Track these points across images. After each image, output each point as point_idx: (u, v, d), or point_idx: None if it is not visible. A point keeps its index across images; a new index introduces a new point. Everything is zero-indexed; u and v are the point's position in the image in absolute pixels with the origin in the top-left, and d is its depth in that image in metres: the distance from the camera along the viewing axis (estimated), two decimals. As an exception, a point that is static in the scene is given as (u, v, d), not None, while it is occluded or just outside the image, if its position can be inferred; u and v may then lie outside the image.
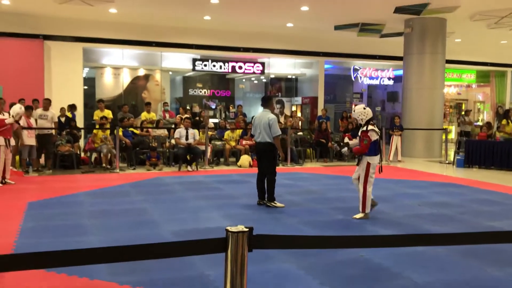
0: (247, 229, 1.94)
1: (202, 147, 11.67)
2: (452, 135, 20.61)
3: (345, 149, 6.95)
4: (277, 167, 7.47)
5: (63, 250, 1.85)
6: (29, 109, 10.43)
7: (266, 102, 7.42)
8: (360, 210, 6.48)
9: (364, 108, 6.50)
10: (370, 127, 6.40)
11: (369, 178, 6.40)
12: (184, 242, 1.91)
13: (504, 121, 13.72)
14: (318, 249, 2.20)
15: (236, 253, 1.92)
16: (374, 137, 6.38)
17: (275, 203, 7.16)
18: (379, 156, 6.54)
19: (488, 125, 14.71)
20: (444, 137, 14.36)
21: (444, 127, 15.51)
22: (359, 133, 6.49)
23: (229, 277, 1.92)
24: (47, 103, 11.17)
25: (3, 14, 13.56)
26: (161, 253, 1.90)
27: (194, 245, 1.90)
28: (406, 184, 9.50)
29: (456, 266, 4.60)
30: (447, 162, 13.49)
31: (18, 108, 9.09)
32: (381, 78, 19.60)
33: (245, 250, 1.91)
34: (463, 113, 18.87)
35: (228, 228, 1.95)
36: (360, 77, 19.22)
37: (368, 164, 6.41)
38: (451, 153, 14.24)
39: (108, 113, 12.54)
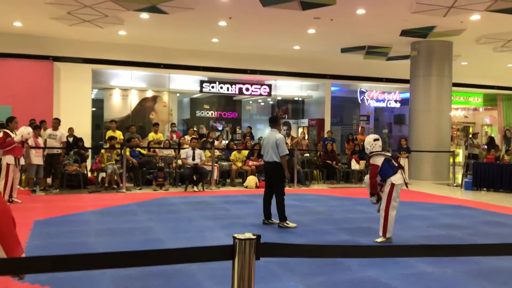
0: (255, 237, 1.92)
1: (209, 168, 11.67)
2: (460, 158, 20.49)
3: (374, 197, 6.37)
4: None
5: (62, 254, 1.81)
6: (37, 129, 10.53)
7: (274, 123, 7.52)
8: (381, 234, 6.20)
9: (374, 140, 6.26)
10: (373, 156, 6.22)
11: (392, 202, 6.07)
12: (191, 249, 1.89)
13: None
14: (325, 257, 2.16)
15: (244, 260, 1.89)
16: (377, 161, 6.17)
17: (287, 223, 7.13)
18: (400, 175, 6.12)
19: (491, 140, 14.66)
20: (451, 159, 14.26)
21: (452, 149, 15.42)
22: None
23: (236, 285, 1.89)
24: (56, 123, 11.26)
25: (15, 36, 13.79)
26: (169, 259, 1.88)
27: (201, 252, 1.89)
28: (414, 206, 9.41)
29: (465, 287, 4.52)
30: (455, 184, 13.38)
31: (26, 132, 9.04)
32: (388, 100, 19.60)
33: (252, 258, 1.89)
34: (470, 136, 18.80)
35: (236, 235, 1.93)
36: (367, 100, 19.23)
37: (392, 186, 6.05)
38: (459, 176, 14.12)
39: (119, 135, 12.62)
